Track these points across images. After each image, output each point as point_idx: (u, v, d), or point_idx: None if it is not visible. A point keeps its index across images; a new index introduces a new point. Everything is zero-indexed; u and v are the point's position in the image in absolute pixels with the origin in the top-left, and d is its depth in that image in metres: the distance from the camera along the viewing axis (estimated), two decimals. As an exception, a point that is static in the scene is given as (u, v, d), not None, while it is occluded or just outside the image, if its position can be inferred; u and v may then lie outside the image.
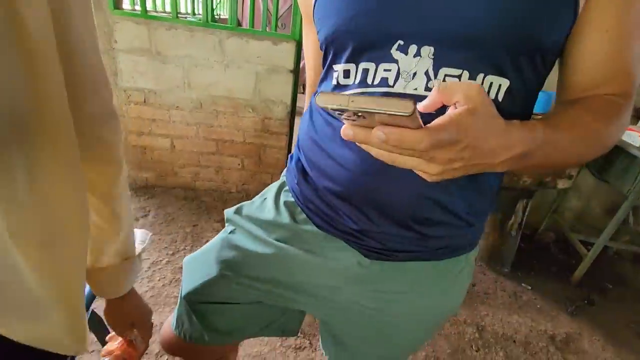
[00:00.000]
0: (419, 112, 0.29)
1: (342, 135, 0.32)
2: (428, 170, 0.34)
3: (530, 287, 1.94)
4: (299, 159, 0.62)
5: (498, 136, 0.35)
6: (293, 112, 2.16)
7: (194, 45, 1.95)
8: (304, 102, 0.75)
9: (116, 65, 1.97)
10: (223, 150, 2.24)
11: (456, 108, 0.32)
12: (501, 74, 0.44)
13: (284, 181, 0.68)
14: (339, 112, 0.31)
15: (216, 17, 3.69)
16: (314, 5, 0.53)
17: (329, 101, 0.29)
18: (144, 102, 2.07)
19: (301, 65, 2.16)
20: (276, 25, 1.98)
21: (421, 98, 0.36)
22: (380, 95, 0.34)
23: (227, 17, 2.78)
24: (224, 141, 2.21)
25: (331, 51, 0.52)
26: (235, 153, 2.25)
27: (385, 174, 0.49)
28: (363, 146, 0.33)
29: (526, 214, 1.91)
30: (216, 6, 4.14)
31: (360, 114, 0.29)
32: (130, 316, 0.66)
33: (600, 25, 0.44)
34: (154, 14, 2.63)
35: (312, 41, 0.62)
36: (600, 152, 0.46)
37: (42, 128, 0.37)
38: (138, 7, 1.94)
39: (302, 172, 0.61)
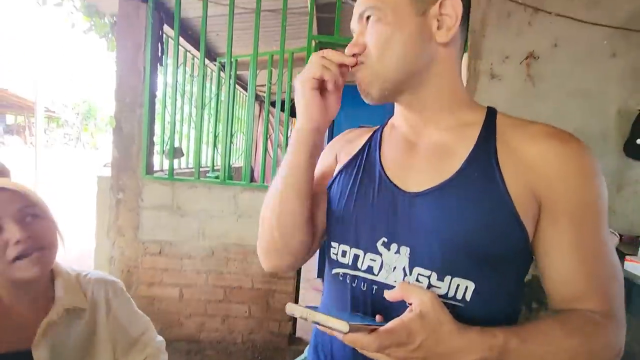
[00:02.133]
0: (366, 323, 0.40)
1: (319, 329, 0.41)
2: None
3: None
4: (316, 345, 0.65)
5: (449, 340, 0.40)
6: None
7: (211, 199, 2.17)
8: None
9: (139, 220, 2.16)
10: (231, 297, 2.22)
11: (411, 310, 0.40)
12: (466, 277, 0.49)
13: None
14: (304, 320, 0.42)
15: (232, 166, 4.19)
16: (329, 189, 0.64)
17: (295, 311, 0.42)
18: (159, 252, 2.18)
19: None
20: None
21: None
22: (328, 314, 0.41)
23: (241, 164, 3.13)
24: (232, 288, 2.21)
25: (334, 227, 0.61)
26: (242, 300, 2.22)
27: None
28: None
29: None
30: (235, 160, 4.75)
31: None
32: None
33: (559, 245, 0.48)
34: (179, 171, 3.02)
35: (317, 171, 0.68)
36: None
37: None
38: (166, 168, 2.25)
39: (316, 352, 0.64)
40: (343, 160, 0.64)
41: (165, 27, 2.35)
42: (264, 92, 2.50)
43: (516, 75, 2.06)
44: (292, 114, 3.30)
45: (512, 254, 0.50)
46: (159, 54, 2.27)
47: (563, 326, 0.46)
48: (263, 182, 2.22)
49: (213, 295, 2.21)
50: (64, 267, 0.85)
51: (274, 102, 3.20)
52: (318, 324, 0.40)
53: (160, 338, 0.98)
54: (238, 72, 3.71)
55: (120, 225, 2.17)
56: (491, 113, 0.56)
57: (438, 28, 0.52)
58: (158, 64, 2.27)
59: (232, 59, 2.95)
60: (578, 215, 0.48)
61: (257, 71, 2.74)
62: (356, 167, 0.61)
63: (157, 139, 2.35)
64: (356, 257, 0.56)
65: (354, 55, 0.54)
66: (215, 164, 3.53)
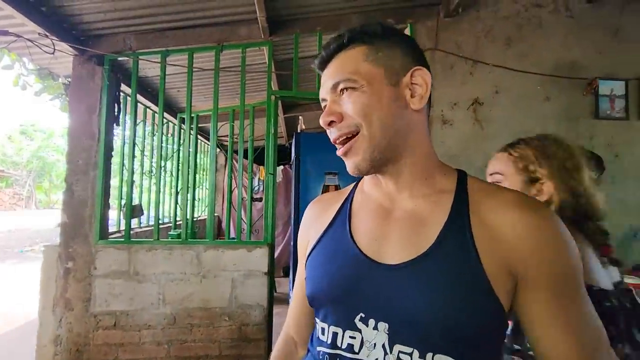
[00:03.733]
0: None
1: None
2: None
3: None
4: None
5: None
6: (270, 315, 2.10)
7: (172, 261, 2.04)
8: (280, 305, 0.76)
9: (91, 291, 1.97)
10: (196, 368, 2.02)
11: None
12: (447, 353, 0.48)
13: None
14: None
15: (197, 219, 4.02)
16: (306, 261, 0.63)
17: None
18: (114, 325, 1.97)
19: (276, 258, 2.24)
20: (250, 232, 2.17)
21: None
22: None
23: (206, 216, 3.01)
24: (197, 357, 2.02)
25: (313, 307, 0.60)
26: (210, 370, 2.02)
27: None
28: None
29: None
30: (201, 212, 4.58)
31: None
32: None
33: (542, 320, 0.49)
34: (138, 230, 2.85)
35: (300, 278, 0.69)
36: None
37: None
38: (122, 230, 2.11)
39: None
40: (314, 237, 0.63)
41: (123, 86, 2.33)
42: (227, 142, 2.49)
43: (465, 119, 2.20)
44: (258, 161, 3.30)
45: (490, 329, 0.49)
46: (116, 113, 2.23)
47: None
48: (229, 236, 2.13)
49: (176, 369, 2.00)
50: None
51: (237, 150, 3.20)
52: None
53: None
54: (200, 125, 3.71)
55: (69, 297, 1.96)
56: (462, 178, 0.57)
57: (411, 96, 0.55)
58: (115, 124, 2.22)
59: (194, 114, 2.96)
60: (557, 288, 0.48)
61: (219, 124, 2.75)
62: (327, 242, 0.61)
63: (114, 198, 2.23)
64: (335, 335, 0.55)
65: (330, 123, 0.56)
66: (177, 219, 3.38)
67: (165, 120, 2.86)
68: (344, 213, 0.62)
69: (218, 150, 5.19)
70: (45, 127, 28.20)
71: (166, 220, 3.71)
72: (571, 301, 0.49)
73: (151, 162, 3.26)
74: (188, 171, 2.33)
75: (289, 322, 0.73)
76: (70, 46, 2.05)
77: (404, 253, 0.52)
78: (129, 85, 2.28)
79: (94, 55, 2.14)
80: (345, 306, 0.54)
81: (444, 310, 0.48)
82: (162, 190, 2.32)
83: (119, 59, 2.19)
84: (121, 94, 2.32)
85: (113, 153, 2.21)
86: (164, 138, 2.48)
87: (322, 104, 0.58)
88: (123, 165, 2.38)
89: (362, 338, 0.52)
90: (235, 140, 2.64)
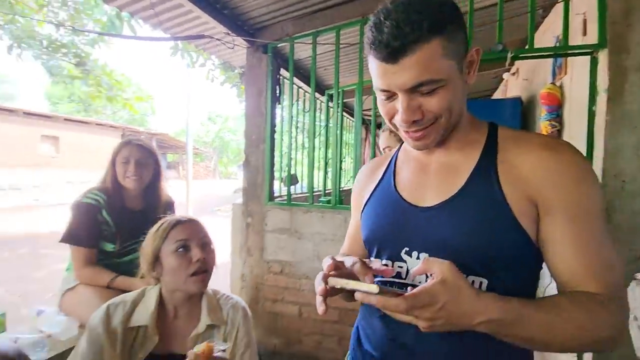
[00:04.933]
0: (393, 289, 0.50)
1: (355, 298, 0.50)
2: (419, 324, 0.49)
3: None
4: (357, 328, 0.75)
5: (469, 302, 0.48)
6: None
7: (324, 223, 2.30)
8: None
9: (264, 242, 2.43)
10: (345, 319, 2.26)
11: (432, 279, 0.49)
12: (478, 275, 0.58)
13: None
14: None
15: (342, 189, 4.34)
16: (362, 213, 0.75)
17: (335, 283, 0.53)
18: (281, 272, 2.39)
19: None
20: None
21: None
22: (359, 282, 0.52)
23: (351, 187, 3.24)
24: (347, 310, 2.26)
25: (369, 248, 0.73)
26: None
27: (408, 343, 0.62)
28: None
29: None
30: (347, 182, 4.94)
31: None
32: None
33: (557, 239, 0.55)
34: (295, 196, 3.29)
35: (354, 225, 0.82)
36: (589, 344, 0.53)
37: None
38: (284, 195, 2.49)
39: (358, 339, 0.73)
40: (367, 193, 0.75)
41: (282, 71, 2.67)
42: (370, 116, 2.57)
43: None
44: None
45: (515, 254, 0.57)
46: (277, 94, 2.58)
47: (571, 301, 0.52)
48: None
49: (329, 316, 2.29)
50: (209, 289, 1.03)
51: (380, 124, 3.25)
52: (354, 290, 0.49)
53: None
54: (345, 100, 3.91)
55: (249, 246, 2.47)
56: (493, 129, 0.64)
57: (468, 73, 0.59)
58: (276, 104, 2.58)
59: (339, 90, 3.14)
60: (571, 211, 0.54)
61: (363, 97, 2.84)
62: (378, 195, 0.72)
63: (275, 168, 2.64)
64: (386, 266, 0.64)
65: (416, 121, 0.58)
66: (326, 188, 3.73)
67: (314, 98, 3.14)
68: (390, 170, 0.73)
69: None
70: (223, 113, 34.73)
71: (315, 188, 4.15)
72: (586, 227, 0.54)
73: (304, 137, 3.66)
74: (337, 140, 2.52)
75: (345, 245, 0.86)
76: (244, 40, 2.45)
77: (439, 196, 0.62)
78: (287, 69, 2.59)
79: (260, 45, 2.51)
80: (392, 243, 0.65)
81: (472, 237, 0.57)
82: (313, 162, 2.59)
83: (278, 45, 2.50)
84: (280, 77, 2.67)
85: (275, 129, 2.59)
86: (312, 114, 2.74)
87: (382, 94, 0.58)
88: (282, 139, 2.76)
89: (407, 267, 0.63)
90: (378, 113, 2.68)
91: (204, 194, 15.21)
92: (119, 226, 1.48)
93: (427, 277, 0.57)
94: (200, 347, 0.78)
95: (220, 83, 3.88)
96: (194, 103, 8.49)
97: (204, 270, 0.95)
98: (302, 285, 2.35)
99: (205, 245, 0.99)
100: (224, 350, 0.80)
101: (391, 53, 0.52)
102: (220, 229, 3.10)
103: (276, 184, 2.82)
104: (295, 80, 3.15)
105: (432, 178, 0.65)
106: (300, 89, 3.47)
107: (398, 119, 0.58)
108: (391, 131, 1.47)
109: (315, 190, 3.09)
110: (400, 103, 0.56)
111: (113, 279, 1.38)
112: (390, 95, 0.57)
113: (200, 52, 3.54)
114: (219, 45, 2.64)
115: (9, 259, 5.04)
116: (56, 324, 1.23)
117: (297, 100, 3.38)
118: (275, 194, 2.65)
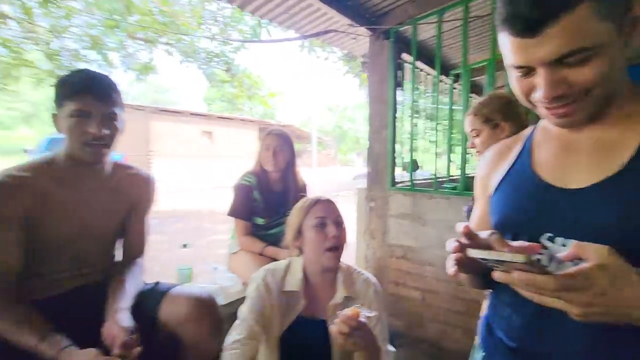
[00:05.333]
0: (542, 263, 0.44)
1: (493, 277, 0.46)
2: (571, 311, 0.44)
3: None
4: (486, 318, 0.72)
5: (633, 288, 0.42)
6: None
7: (449, 210, 2.21)
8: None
9: (386, 226, 2.49)
10: (473, 311, 2.15)
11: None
12: (634, 265, 0.47)
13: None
14: (485, 261, 0.47)
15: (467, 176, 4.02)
16: (492, 198, 0.70)
17: (476, 254, 0.49)
18: (403, 256, 2.42)
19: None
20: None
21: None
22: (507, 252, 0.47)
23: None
24: (474, 302, 2.15)
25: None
26: (486, 316, 2.11)
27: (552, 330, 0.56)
28: (516, 288, 0.47)
29: None
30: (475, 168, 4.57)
31: (498, 262, 0.45)
32: None
33: None
34: (416, 182, 3.23)
35: (478, 213, 0.75)
36: None
37: None
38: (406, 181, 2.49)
39: (488, 328, 0.70)
40: (498, 177, 0.69)
41: (404, 55, 2.64)
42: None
43: None
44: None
45: None
46: (399, 80, 2.57)
47: None
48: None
49: (454, 306, 2.22)
50: (342, 264, 1.14)
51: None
52: (492, 266, 0.46)
53: (392, 348, 1.11)
54: (473, 78, 3.58)
55: (372, 229, 2.58)
56: None
57: (632, 33, 0.49)
58: (398, 89, 2.58)
59: (467, 68, 2.90)
60: None
61: (496, 74, 2.57)
62: (512, 177, 0.66)
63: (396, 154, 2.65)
64: None
65: (561, 96, 0.51)
66: (450, 174, 3.54)
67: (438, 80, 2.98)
68: (525, 151, 0.66)
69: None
70: (342, 103, 35.86)
71: (436, 175, 3.96)
72: None
73: (424, 122, 3.53)
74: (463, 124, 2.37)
75: None
76: (366, 29, 2.52)
77: (592, 177, 0.55)
78: (409, 53, 2.54)
79: (382, 31, 2.53)
80: (531, 228, 0.59)
81: (634, 226, 0.49)
82: (437, 147, 2.51)
83: (400, 29, 2.47)
84: (402, 62, 2.64)
85: (397, 115, 2.59)
86: (436, 97, 2.63)
87: (518, 71, 0.52)
88: (402, 125, 2.74)
89: (550, 254, 0.53)
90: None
91: (326, 180, 16.15)
92: (266, 204, 1.77)
93: (573, 265, 0.53)
94: (348, 311, 0.86)
95: (343, 74, 4.04)
96: (316, 95, 9.01)
97: (337, 246, 1.06)
98: (425, 271, 2.33)
99: (339, 223, 1.09)
100: (369, 317, 0.87)
101: (530, 26, 0.46)
102: (342, 212, 3.28)
103: (396, 171, 2.83)
104: (418, 63, 3.06)
105: (581, 157, 0.57)
106: (422, 72, 3.35)
107: (538, 96, 0.52)
108: (475, 114, 1.35)
109: (439, 176, 2.98)
110: (540, 78, 0.50)
111: (264, 247, 1.68)
112: (528, 72, 0.51)
113: (324, 46, 3.76)
114: (342, 37, 2.77)
115: (182, 230, 6.46)
116: (227, 279, 1.58)
117: (420, 84, 3.27)
118: (397, 180, 2.68)
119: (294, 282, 1.06)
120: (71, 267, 1.04)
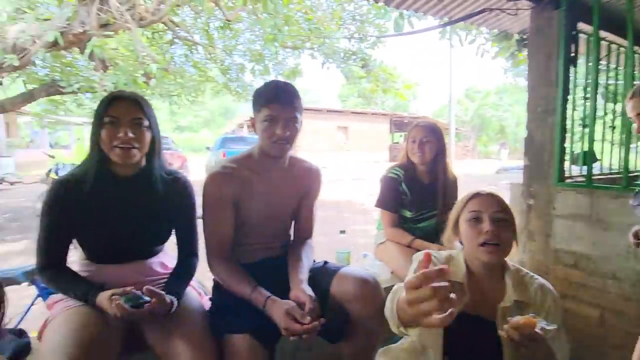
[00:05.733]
0: None
1: None
2: None
3: None
4: None
5: None
6: None
7: (648, 213, 1.75)
8: None
9: (550, 228, 2.15)
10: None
11: None
12: None
13: None
14: None
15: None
16: None
17: None
18: (574, 265, 2.04)
19: None
20: None
21: None
22: None
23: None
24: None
25: None
26: None
27: None
28: None
29: None
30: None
31: None
32: None
33: None
34: (597, 178, 2.66)
35: None
36: None
37: None
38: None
39: None
40: None
41: (580, 25, 2.19)
42: None
43: None
44: None
45: None
46: (572, 56, 2.15)
47: None
48: None
49: (651, 334, 1.76)
50: (512, 264, 1.04)
51: None
52: None
53: None
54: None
55: (531, 230, 2.26)
56: None
57: None
58: (571, 67, 2.16)
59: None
60: None
61: None
62: None
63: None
64: None
65: None
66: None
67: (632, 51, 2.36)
68: None
69: None
70: (483, 89, 32.22)
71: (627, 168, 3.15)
72: None
73: (605, 105, 2.86)
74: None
75: None
76: (529, 0, 2.20)
77: None
78: (586, 22, 2.10)
79: (549, 1, 2.16)
80: None
81: None
82: (630, 134, 2.00)
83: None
84: (576, 33, 2.19)
85: (568, 98, 2.18)
86: (630, 72, 2.09)
87: None
88: (574, 109, 2.28)
89: None
90: None
91: (462, 174, 14.86)
92: (413, 196, 1.77)
93: None
94: (521, 319, 0.78)
95: (492, 57, 3.66)
96: (454, 83, 8.42)
97: (494, 242, 0.97)
98: (606, 285, 1.92)
99: (499, 219, 1.00)
100: (547, 330, 0.78)
101: None
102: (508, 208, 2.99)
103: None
104: (601, 33, 2.49)
105: None
106: (602, 39, 2.71)
107: None
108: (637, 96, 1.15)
109: (633, 171, 2.38)
110: None
111: (412, 240, 1.69)
112: None
113: (471, 29, 3.46)
114: (496, 15, 2.50)
115: (324, 219, 7.02)
116: (376, 267, 1.67)
117: (604, 56, 2.66)
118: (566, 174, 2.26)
119: (458, 273, 1.03)
120: (262, 241, 1.30)
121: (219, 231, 1.20)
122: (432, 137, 1.78)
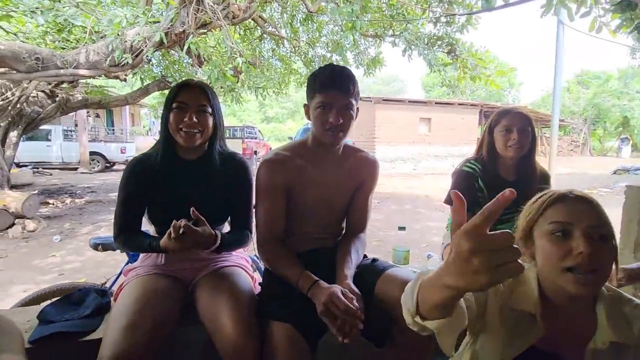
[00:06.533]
0: None
1: None
2: None
3: None
4: None
5: None
6: None
7: None
8: None
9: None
10: None
11: None
12: None
13: None
14: None
15: None
16: None
17: None
18: None
19: None
20: None
21: None
22: None
23: None
24: None
25: None
26: None
27: None
28: None
29: None
30: None
31: None
32: None
33: None
34: None
35: None
36: None
37: None
38: None
39: None
40: None
41: None
42: None
43: None
44: None
45: None
46: None
47: None
48: None
49: None
50: (609, 290, 0.79)
51: None
52: None
53: None
54: None
55: (651, 244, 1.83)
56: None
57: None
58: None
59: None
60: None
61: None
62: None
63: None
64: None
65: None
66: None
67: None
68: None
69: None
70: (601, 72, 27.34)
71: None
72: None
73: None
74: None
75: None
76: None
77: None
78: None
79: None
80: None
81: None
82: None
83: None
84: None
85: None
86: None
87: None
88: None
89: None
90: None
91: (566, 173, 12.92)
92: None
93: None
94: None
95: (612, 30, 3.03)
96: (560, 66, 7.28)
97: (591, 269, 0.70)
98: None
99: (596, 237, 0.71)
100: None
101: None
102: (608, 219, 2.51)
103: None
104: None
105: None
106: None
107: None
108: None
109: None
110: None
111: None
112: None
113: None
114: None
115: (398, 212, 6.79)
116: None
117: None
118: None
119: (527, 300, 0.79)
120: (314, 231, 1.28)
121: (270, 217, 1.20)
122: (529, 127, 1.54)
